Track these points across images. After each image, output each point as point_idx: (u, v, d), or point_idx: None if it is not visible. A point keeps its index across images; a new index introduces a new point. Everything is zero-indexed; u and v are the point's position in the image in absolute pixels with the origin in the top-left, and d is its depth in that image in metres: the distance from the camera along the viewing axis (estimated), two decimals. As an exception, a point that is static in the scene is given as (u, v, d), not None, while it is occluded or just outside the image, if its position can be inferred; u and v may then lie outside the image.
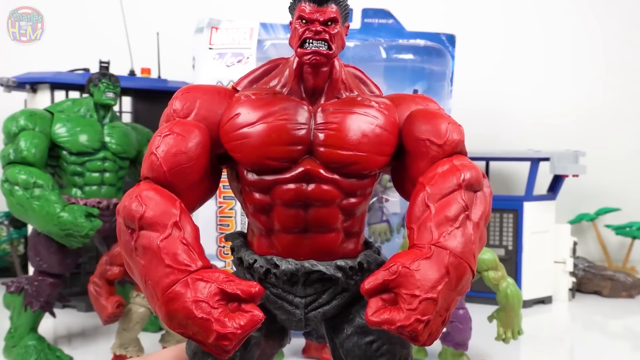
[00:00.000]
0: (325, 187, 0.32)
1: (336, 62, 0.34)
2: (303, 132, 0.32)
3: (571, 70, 1.41)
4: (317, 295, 0.33)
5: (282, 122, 0.32)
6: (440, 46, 0.85)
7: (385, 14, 0.86)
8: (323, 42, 0.31)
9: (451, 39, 0.86)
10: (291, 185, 0.32)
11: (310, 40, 0.31)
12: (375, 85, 0.37)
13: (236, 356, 0.33)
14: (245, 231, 0.37)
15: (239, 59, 0.79)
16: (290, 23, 0.33)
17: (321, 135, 0.32)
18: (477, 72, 1.35)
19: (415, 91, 0.82)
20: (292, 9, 0.33)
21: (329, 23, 0.31)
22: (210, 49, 0.80)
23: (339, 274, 0.33)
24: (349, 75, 0.35)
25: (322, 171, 0.32)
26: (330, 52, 0.31)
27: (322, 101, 0.34)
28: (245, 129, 0.32)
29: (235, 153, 0.33)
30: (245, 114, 0.32)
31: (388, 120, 0.33)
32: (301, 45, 0.31)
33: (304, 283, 0.33)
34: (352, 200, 0.33)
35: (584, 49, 1.41)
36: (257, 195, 0.33)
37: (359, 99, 0.34)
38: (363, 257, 0.34)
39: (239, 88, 0.36)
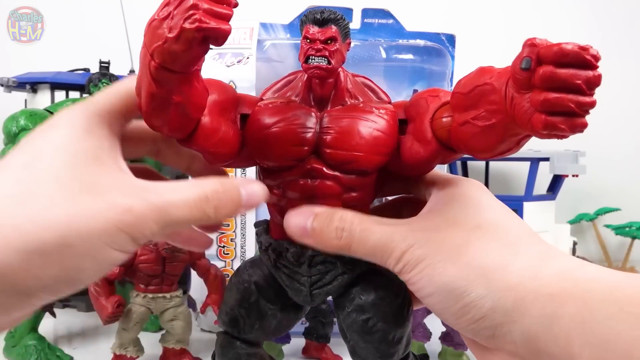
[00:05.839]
0: (327, 182, 0.37)
1: (342, 74, 0.38)
2: (309, 134, 0.37)
3: (571, 70, 1.41)
4: (321, 275, 0.39)
5: (292, 126, 0.37)
6: (440, 46, 0.85)
7: (385, 14, 0.86)
8: (323, 58, 0.36)
9: (451, 39, 0.86)
10: (298, 181, 0.37)
11: (313, 57, 0.36)
12: (384, 92, 0.41)
13: (255, 323, 0.41)
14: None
15: (239, 59, 0.79)
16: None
17: (324, 138, 0.37)
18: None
19: (415, 91, 0.82)
20: (300, 29, 0.37)
21: (329, 41, 0.36)
22: (210, 48, 0.80)
23: (336, 259, 0.38)
24: (356, 84, 0.40)
25: (324, 169, 0.37)
26: (330, 66, 0.36)
27: (329, 108, 0.38)
28: (261, 133, 0.37)
29: (254, 153, 0.38)
30: (262, 120, 0.37)
31: (387, 124, 0.37)
32: (305, 61, 0.36)
33: (309, 264, 0.38)
34: (353, 194, 0.38)
35: (583, 49, 1.41)
36: (272, 189, 0.38)
37: (361, 105, 0.38)
38: None
39: (264, 97, 0.40)
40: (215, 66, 0.78)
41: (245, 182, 0.34)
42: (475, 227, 0.32)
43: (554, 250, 0.32)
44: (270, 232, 0.42)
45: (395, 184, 0.42)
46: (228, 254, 0.81)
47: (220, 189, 0.31)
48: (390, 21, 0.86)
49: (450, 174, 0.38)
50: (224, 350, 0.43)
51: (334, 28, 0.36)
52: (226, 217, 0.33)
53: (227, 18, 0.28)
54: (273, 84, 0.42)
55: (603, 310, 0.26)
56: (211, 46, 0.30)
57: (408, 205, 0.42)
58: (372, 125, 0.37)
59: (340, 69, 0.38)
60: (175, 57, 0.29)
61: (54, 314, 0.77)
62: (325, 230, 0.35)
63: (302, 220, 0.36)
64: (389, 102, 0.40)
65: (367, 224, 0.34)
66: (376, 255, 0.34)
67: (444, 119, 0.33)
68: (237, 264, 0.81)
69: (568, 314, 0.27)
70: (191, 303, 0.86)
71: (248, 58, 0.79)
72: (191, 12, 0.27)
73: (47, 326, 0.82)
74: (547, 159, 1.07)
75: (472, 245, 0.31)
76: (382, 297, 0.38)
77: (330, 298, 0.42)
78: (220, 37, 0.29)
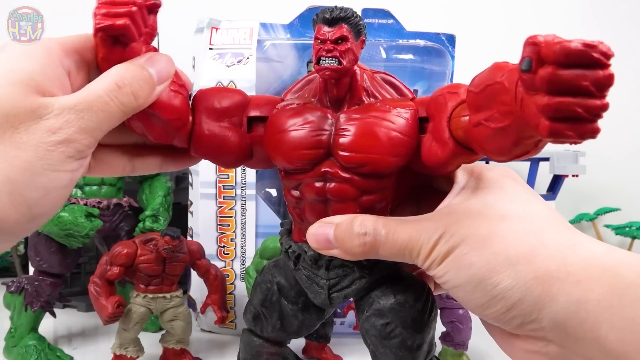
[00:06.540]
0: (342, 185, 0.36)
1: (358, 72, 0.37)
2: (324, 137, 0.36)
3: (571, 70, 1.41)
4: (339, 279, 0.39)
5: (306, 129, 0.36)
6: (440, 46, 0.85)
7: (385, 14, 0.86)
8: (334, 59, 0.35)
9: (451, 39, 0.86)
10: (314, 184, 0.37)
11: (324, 58, 0.35)
12: (407, 88, 0.39)
13: (277, 323, 0.42)
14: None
15: (239, 59, 0.79)
16: None
17: (338, 140, 0.36)
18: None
19: (415, 91, 0.82)
20: (313, 30, 0.37)
21: (339, 41, 0.35)
22: (210, 49, 0.80)
23: (354, 263, 0.37)
24: (375, 81, 0.39)
25: (339, 171, 0.36)
26: (340, 67, 0.35)
27: (345, 108, 0.37)
28: (277, 136, 0.37)
29: (271, 156, 0.38)
30: (278, 123, 0.37)
31: (405, 123, 0.36)
32: (317, 62, 0.35)
33: (327, 267, 0.38)
34: (370, 197, 0.37)
35: (583, 49, 1.41)
36: (290, 191, 0.38)
37: (378, 104, 0.37)
38: None
39: (285, 98, 0.40)
40: (215, 66, 0.78)
41: (150, 59, 0.33)
42: (500, 218, 0.32)
43: (581, 237, 0.31)
44: (292, 234, 0.41)
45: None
46: (228, 254, 0.81)
47: (127, 74, 0.31)
48: (390, 21, 0.86)
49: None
50: (247, 347, 0.44)
51: (344, 27, 0.35)
52: (149, 100, 0.32)
53: (124, 15, 0.31)
54: (295, 83, 0.41)
55: (631, 295, 0.26)
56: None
57: (426, 197, 0.41)
58: (388, 126, 0.35)
59: (357, 67, 0.37)
60: (105, 59, 0.32)
61: (54, 314, 0.77)
62: (348, 239, 0.34)
63: (324, 233, 0.36)
64: (412, 99, 0.38)
65: (390, 226, 0.34)
66: (404, 255, 0.34)
67: (462, 119, 0.31)
68: (237, 264, 0.81)
69: (595, 299, 0.27)
70: (191, 303, 0.86)
71: (248, 58, 0.79)
72: (94, 18, 0.31)
73: (47, 326, 0.82)
74: (547, 159, 1.07)
75: (498, 237, 0.31)
76: (402, 302, 0.37)
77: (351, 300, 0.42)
78: (118, 33, 0.31)
